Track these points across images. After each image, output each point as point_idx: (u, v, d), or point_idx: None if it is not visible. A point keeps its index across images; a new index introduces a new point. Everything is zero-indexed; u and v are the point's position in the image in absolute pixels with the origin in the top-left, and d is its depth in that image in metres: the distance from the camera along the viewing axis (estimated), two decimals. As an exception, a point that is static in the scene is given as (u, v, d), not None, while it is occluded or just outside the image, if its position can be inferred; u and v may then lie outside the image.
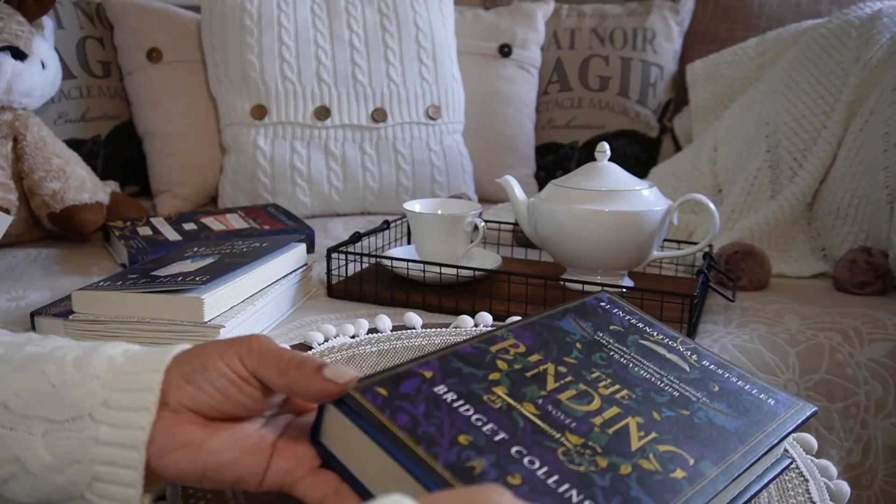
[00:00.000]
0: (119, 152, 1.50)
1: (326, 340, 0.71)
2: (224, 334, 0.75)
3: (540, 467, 0.38)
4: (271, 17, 1.41)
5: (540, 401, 0.44)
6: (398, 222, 1.19)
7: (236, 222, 1.19)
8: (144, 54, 1.46)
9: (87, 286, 0.80)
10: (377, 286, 0.96)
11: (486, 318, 0.78)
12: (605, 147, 0.98)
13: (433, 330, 0.74)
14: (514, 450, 0.39)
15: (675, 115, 1.69)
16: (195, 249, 0.92)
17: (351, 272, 1.02)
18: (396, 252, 1.06)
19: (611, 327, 0.55)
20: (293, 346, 0.70)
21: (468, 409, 0.41)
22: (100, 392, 0.38)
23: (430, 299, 0.93)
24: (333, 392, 0.39)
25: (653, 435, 0.43)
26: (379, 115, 1.45)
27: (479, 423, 0.40)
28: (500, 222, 1.18)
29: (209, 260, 0.85)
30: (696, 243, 1.00)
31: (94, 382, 0.38)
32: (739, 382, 0.51)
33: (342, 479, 0.40)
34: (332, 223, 1.39)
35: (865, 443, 0.90)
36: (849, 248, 1.12)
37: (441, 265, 0.93)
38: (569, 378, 0.47)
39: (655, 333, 0.55)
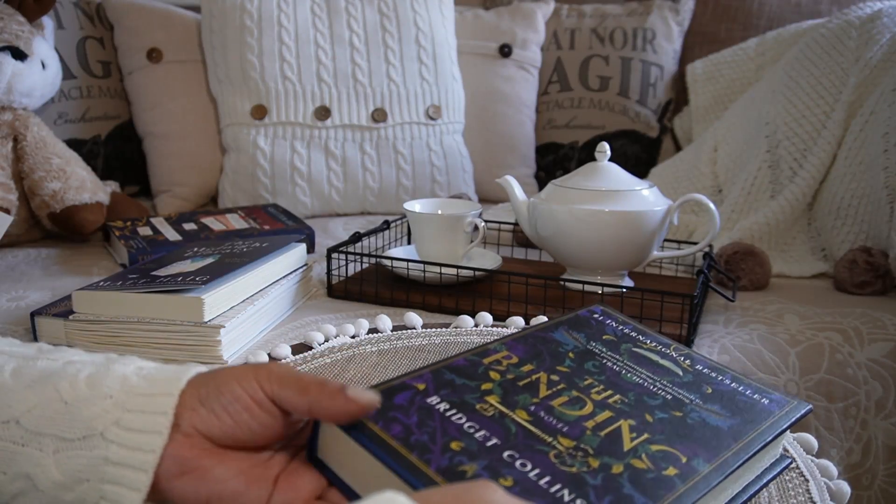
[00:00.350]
0: (119, 152, 1.50)
1: (327, 340, 0.71)
2: (224, 334, 0.75)
3: (532, 469, 0.39)
4: (271, 17, 1.41)
5: (532, 407, 0.44)
6: (398, 222, 1.19)
7: (236, 222, 1.19)
8: (144, 54, 1.46)
9: (87, 286, 0.80)
10: (377, 286, 0.96)
11: (486, 318, 0.78)
12: (605, 147, 0.98)
13: (433, 330, 0.74)
14: (506, 454, 0.40)
15: (675, 116, 1.69)
16: (195, 249, 0.92)
17: (351, 272, 1.02)
18: (396, 252, 1.06)
19: (604, 337, 0.55)
20: (293, 347, 0.70)
21: (460, 418, 0.42)
22: (112, 412, 0.38)
23: (431, 299, 0.93)
24: (355, 412, 0.39)
25: (645, 436, 0.43)
26: (379, 115, 1.45)
27: (472, 430, 0.41)
28: (500, 222, 1.18)
29: (209, 260, 0.85)
30: (696, 243, 1.00)
31: (107, 402, 0.38)
32: (733, 384, 0.51)
33: (342, 494, 0.40)
34: (332, 223, 1.39)
35: (865, 443, 0.90)
36: (849, 248, 1.12)
37: (441, 265, 0.93)
38: (561, 385, 0.47)
39: (649, 341, 0.56)
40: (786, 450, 0.54)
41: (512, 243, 1.21)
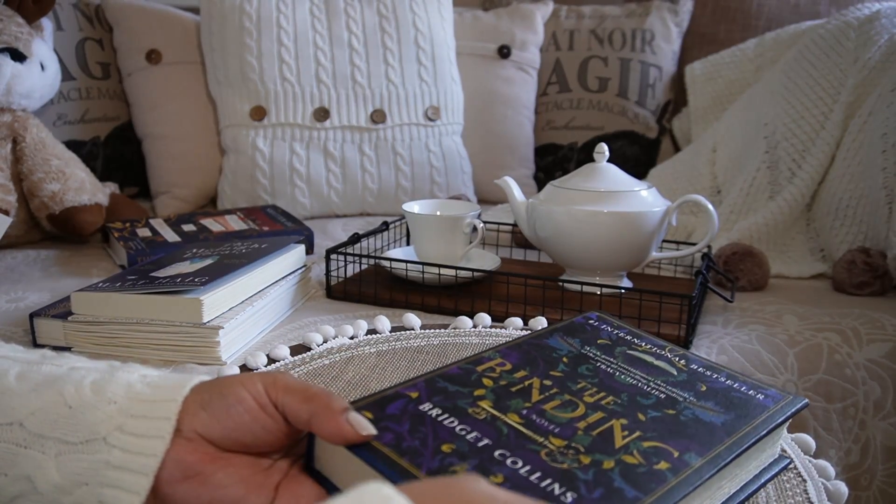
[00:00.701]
0: (118, 154, 1.51)
1: (325, 341, 0.72)
2: (223, 335, 0.75)
3: (523, 466, 0.39)
4: (270, 19, 1.41)
5: (524, 411, 0.45)
6: (397, 223, 1.19)
7: (235, 223, 1.20)
8: (144, 56, 1.46)
9: (86, 287, 0.80)
10: (376, 287, 0.96)
11: (484, 319, 0.78)
12: (603, 148, 0.98)
13: (432, 331, 0.74)
14: (497, 453, 0.40)
15: (673, 116, 1.69)
16: (194, 251, 0.92)
17: (350, 273, 1.02)
18: (395, 253, 1.06)
19: (598, 341, 0.56)
20: (292, 348, 0.70)
21: (452, 422, 0.42)
22: (116, 417, 0.38)
23: (429, 300, 0.93)
24: (350, 437, 0.39)
25: (637, 433, 0.44)
26: (378, 117, 1.45)
27: (463, 433, 0.41)
28: (499, 223, 1.18)
29: (208, 261, 0.85)
30: (694, 244, 1.00)
31: (111, 407, 0.39)
32: (728, 381, 0.52)
33: None
34: (331, 224, 1.39)
35: (864, 443, 0.90)
36: (847, 248, 1.12)
37: (440, 266, 0.93)
38: (554, 390, 0.48)
39: (644, 344, 0.56)
40: (783, 450, 0.54)
41: (511, 244, 1.21)
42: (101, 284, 0.81)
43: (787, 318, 0.96)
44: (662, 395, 0.48)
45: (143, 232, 1.14)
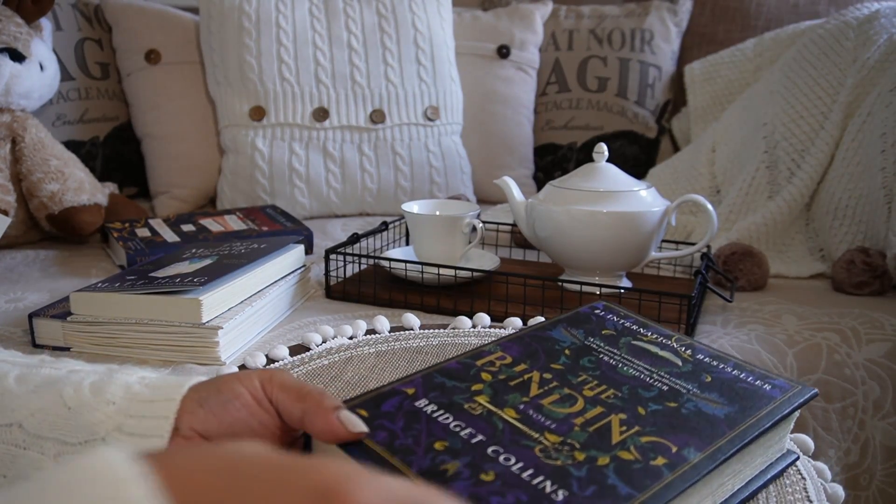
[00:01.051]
0: (117, 154, 1.50)
1: (324, 342, 0.71)
2: (222, 335, 0.75)
3: (515, 463, 0.39)
4: (269, 19, 1.41)
5: (521, 406, 0.44)
6: (396, 223, 1.19)
7: (235, 224, 1.20)
8: (143, 56, 1.46)
9: (85, 288, 0.80)
10: (375, 287, 0.96)
11: (484, 319, 0.78)
12: (603, 148, 0.98)
13: (431, 331, 0.74)
14: (490, 449, 0.40)
15: (673, 116, 1.69)
16: (193, 251, 0.92)
17: (349, 273, 1.02)
18: (395, 253, 1.06)
19: (603, 332, 0.55)
20: (291, 348, 0.70)
21: (447, 418, 0.42)
22: (115, 417, 0.39)
23: (429, 300, 0.93)
24: (340, 434, 0.39)
25: (635, 429, 0.43)
26: (377, 117, 1.45)
27: (457, 429, 0.41)
28: (498, 223, 1.18)
29: (207, 261, 0.85)
30: (694, 244, 1.00)
31: (110, 408, 0.39)
32: (735, 371, 0.50)
33: None
34: (330, 224, 1.39)
35: (863, 443, 0.90)
36: (846, 248, 1.12)
37: (439, 266, 0.93)
38: (553, 384, 0.47)
39: (649, 334, 0.55)
40: (793, 440, 0.54)
41: (510, 244, 1.21)
42: (100, 285, 0.80)
43: (787, 318, 0.96)
44: (665, 388, 0.48)
45: (143, 232, 1.14)
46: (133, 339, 0.77)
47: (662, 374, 0.49)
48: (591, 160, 0.99)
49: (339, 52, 1.44)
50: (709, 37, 1.68)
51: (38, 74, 1.21)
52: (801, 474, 0.52)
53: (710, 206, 0.93)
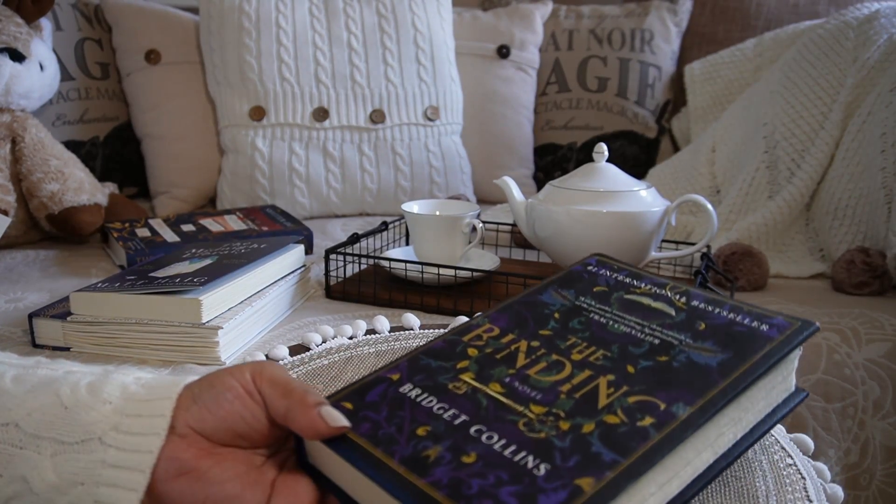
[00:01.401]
0: (117, 154, 1.50)
1: (324, 342, 0.71)
2: (222, 335, 0.75)
3: (498, 441, 0.38)
4: (269, 19, 1.41)
5: (507, 379, 0.43)
6: (396, 223, 1.19)
7: (234, 224, 1.20)
8: (143, 56, 1.46)
9: (85, 287, 0.80)
10: (375, 287, 0.96)
11: (483, 318, 0.78)
12: (603, 148, 0.98)
13: (431, 331, 0.74)
14: (473, 429, 0.39)
15: (673, 116, 1.69)
16: (193, 251, 0.92)
17: (349, 273, 1.02)
18: (395, 253, 1.06)
19: (595, 289, 0.53)
20: (291, 348, 0.70)
21: (431, 401, 0.42)
22: (111, 417, 0.39)
23: (429, 300, 0.93)
24: (321, 430, 0.39)
25: (623, 389, 0.42)
26: (377, 117, 1.45)
27: (441, 412, 0.41)
28: (498, 223, 1.18)
29: (207, 261, 0.85)
30: (693, 244, 1.00)
31: (107, 407, 0.39)
32: (731, 315, 0.48)
33: (336, 496, 0.40)
34: (330, 224, 1.39)
35: (863, 443, 0.90)
36: (846, 248, 1.12)
37: (439, 266, 0.93)
38: (541, 351, 0.46)
39: (643, 285, 0.53)
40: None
41: (510, 244, 1.21)
42: (100, 284, 0.80)
43: (787, 318, 0.96)
44: (656, 341, 0.46)
45: (143, 232, 1.14)
46: (133, 339, 0.77)
47: (654, 327, 0.48)
48: (591, 160, 0.99)
49: (339, 52, 1.44)
50: (709, 37, 1.68)
51: (38, 74, 1.21)
52: (800, 474, 0.52)
53: (710, 206, 0.93)
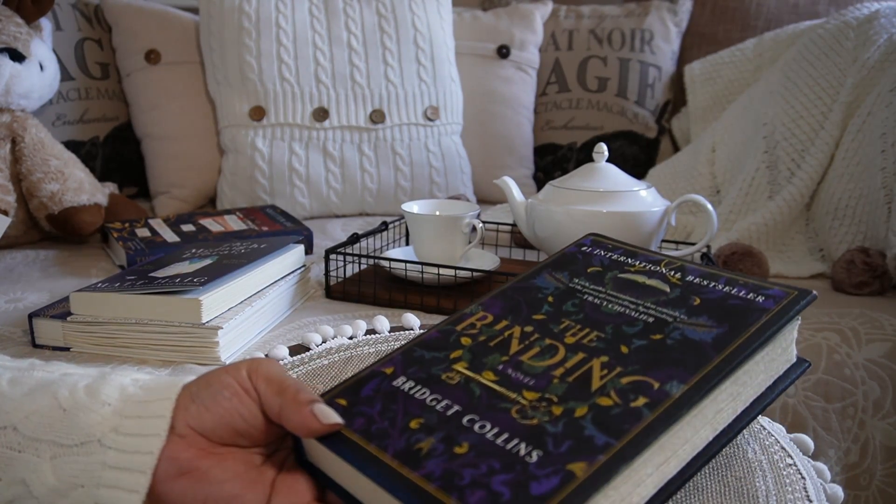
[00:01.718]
0: (117, 154, 1.50)
1: (324, 342, 0.71)
2: (222, 335, 0.75)
3: (490, 429, 0.38)
4: (269, 19, 1.41)
5: (500, 366, 0.43)
6: (396, 223, 1.19)
7: (234, 224, 1.20)
8: (143, 56, 1.46)
9: (85, 288, 0.80)
10: (375, 287, 0.96)
11: (483, 318, 0.78)
12: (603, 148, 0.98)
13: (431, 331, 0.74)
14: (465, 419, 0.39)
15: (673, 116, 1.69)
16: (193, 251, 0.92)
17: (349, 273, 1.02)
18: (394, 253, 1.06)
19: (588, 270, 0.52)
20: (291, 348, 0.70)
21: (424, 393, 0.42)
22: (111, 419, 0.39)
23: (429, 300, 0.93)
24: (314, 428, 0.39)
25: (617, 370, 0.41)
26: (377, 117, 1.45)
27: (434, 403, 0.41)
28: (498, 223, 1.18)
29: (207, 261, 0.85)
30: (694, 244, 1.00)
31: (106, 409, 0.39)
32: (726, 288, 0.47)
33: (335, 494, 0.40)
34: (330, 224, 1.39)
35: (863, 443, 0.90)
36: (846, 248, 1.12)
37: (439, 266, 0.93)
38: (534, 336, 0.46)
39: (638, 263, 0.52)
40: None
41: (510, 244, 1.21)
42: (100, 285, 0.80)
43: (787, 318, 0.96)
44: (651, 320, 0.45)
45: (143, 232, 1.14)
46: (133, 339, 0.77)
47: (648, 305, 0.47)
48: (591, 160, 0.99)
49: (339, 52, 1.44)
50: (709, 37, 1.68)
51: (37, 74, 1.21)
52: (800, 474, 0.52)
53: (710, 206, 0.93)
